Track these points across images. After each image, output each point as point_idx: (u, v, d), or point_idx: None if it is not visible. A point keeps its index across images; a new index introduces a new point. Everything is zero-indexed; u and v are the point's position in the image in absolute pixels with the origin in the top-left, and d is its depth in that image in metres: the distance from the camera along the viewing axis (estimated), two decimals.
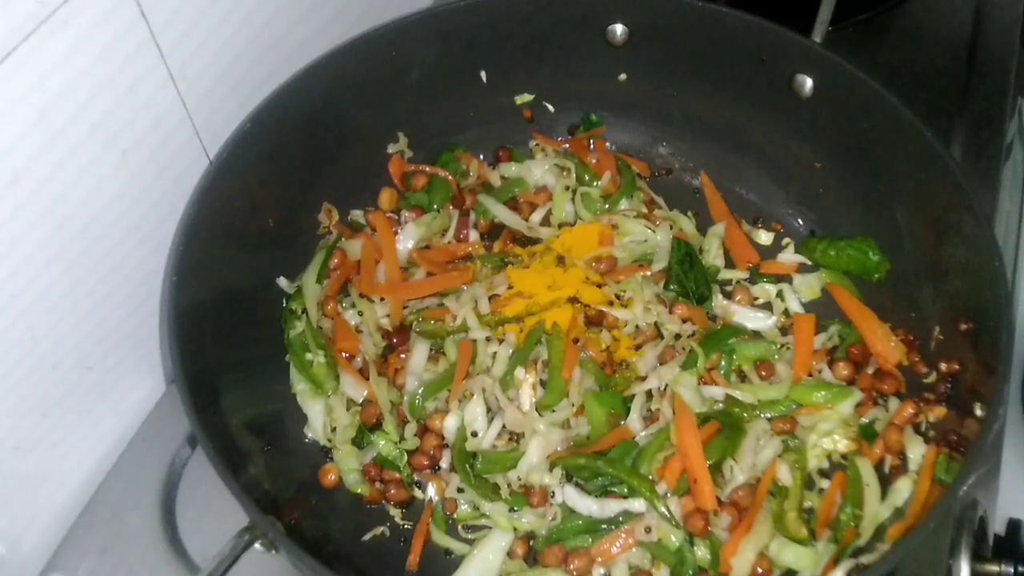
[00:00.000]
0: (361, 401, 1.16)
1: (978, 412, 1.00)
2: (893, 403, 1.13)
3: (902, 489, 1.05)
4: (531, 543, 1.09)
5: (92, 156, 1.00)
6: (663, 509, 1.04)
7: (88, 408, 1.13)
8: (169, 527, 1.09)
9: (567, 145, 1.37)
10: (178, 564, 1.07)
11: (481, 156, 1.37)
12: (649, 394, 1.14)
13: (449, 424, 1.13)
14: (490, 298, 1.20)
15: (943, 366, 1.10)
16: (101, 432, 1.16)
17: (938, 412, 1.09)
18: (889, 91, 1.13)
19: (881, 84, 1.14)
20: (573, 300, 1.20)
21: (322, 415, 1.15)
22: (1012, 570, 1.03)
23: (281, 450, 1.12)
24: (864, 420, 1.12)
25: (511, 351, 1.16)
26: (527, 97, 1.35)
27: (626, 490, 1.07)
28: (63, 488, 1.13)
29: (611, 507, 1.07)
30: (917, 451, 1.07)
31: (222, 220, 1.10)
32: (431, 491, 1.12)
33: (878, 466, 1.08)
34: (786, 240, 1.30)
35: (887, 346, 1.15)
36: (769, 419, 1.13)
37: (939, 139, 1.11)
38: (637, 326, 1.19)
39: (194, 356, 1.00)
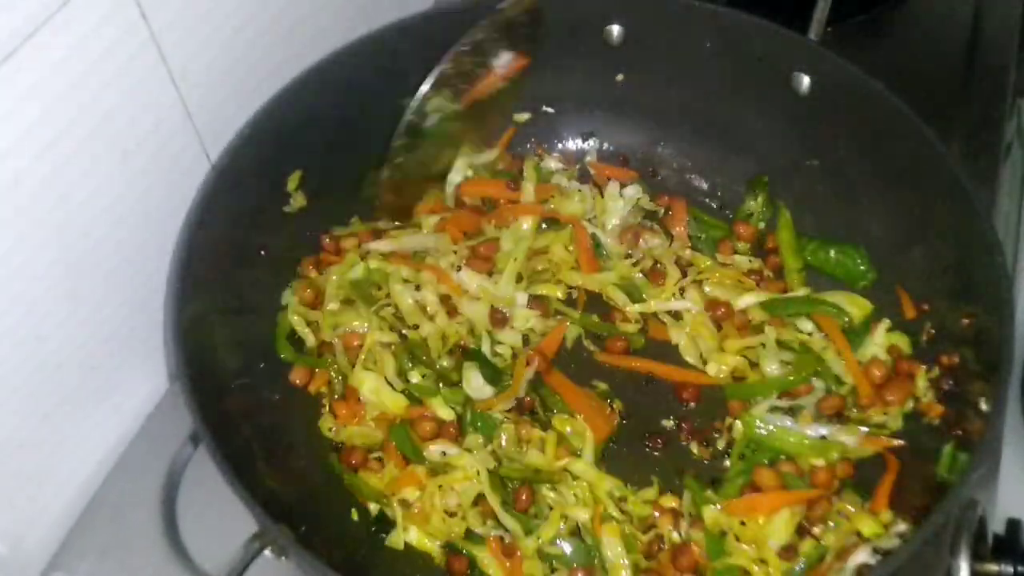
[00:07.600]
0: None
1: (983, 407, 1.00)
2: None
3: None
4: None
5: (93, 157, 1.00)
6: None
7: (91, 408, 1.13)
8: (170, 526, 1.09)
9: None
10: (179, 564, 1.07)
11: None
12: None
13: None
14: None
15: (944, 359, 1.11)
16: (103, 431, 1.16)
17: (936, 410, 1.09)
18: (887, 88, 1.14)
19: (879, 82, 1.14)
20: None
21: None
22: (1012, 570, 1.02)
23: (288, 448, 1.13)
24: None
25: None
26: (524, 116, 1.37)
27: None
28: (65, 488, 1.13)
29: None
30: None
31: (225, 221, 1.11)
32: None
33: None
34: None
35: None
36: None
37: (938, 138, 1.11)
38: None
39: (196, 352, 1.01)
